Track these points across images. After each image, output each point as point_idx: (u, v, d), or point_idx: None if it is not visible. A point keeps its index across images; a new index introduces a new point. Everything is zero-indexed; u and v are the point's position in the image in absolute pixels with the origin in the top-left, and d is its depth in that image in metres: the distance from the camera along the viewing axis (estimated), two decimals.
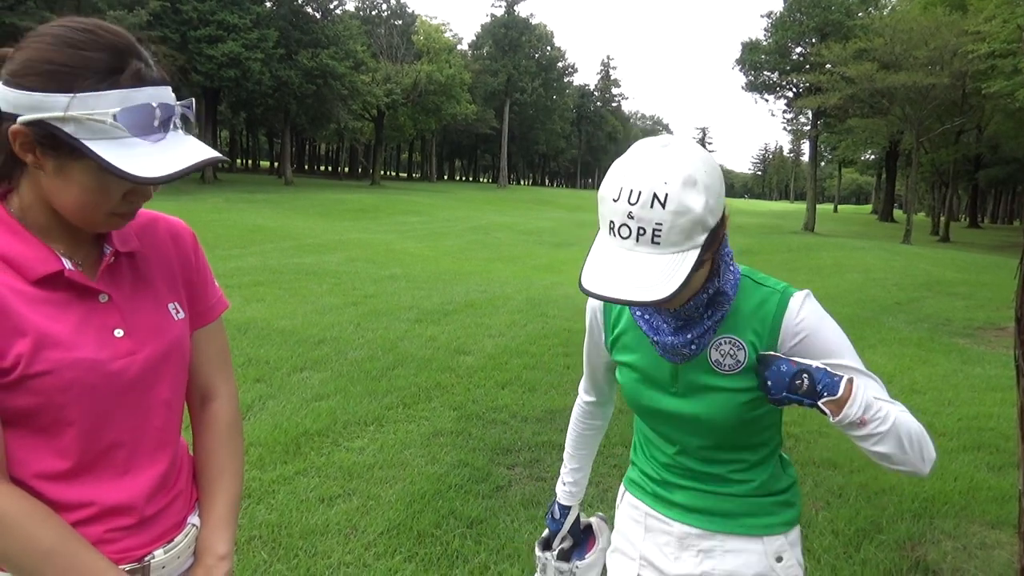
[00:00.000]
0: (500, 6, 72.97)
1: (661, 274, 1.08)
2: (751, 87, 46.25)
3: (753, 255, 20.19)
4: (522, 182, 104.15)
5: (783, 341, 1.25)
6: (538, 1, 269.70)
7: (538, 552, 1.72)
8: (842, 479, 3.99)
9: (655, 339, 1.29)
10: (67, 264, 1.02)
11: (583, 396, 1.65)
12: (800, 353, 1.24)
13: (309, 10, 42.98)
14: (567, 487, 1.68)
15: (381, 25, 55.37)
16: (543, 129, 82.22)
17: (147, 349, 1.07)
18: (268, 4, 39.75)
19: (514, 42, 72.32)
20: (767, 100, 47.71)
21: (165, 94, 0.98)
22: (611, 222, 1.13)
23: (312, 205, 28.87)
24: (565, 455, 1.70)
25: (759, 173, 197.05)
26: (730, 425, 1.30)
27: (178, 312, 1.15)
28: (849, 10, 40.03)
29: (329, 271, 11.35)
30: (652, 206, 1.08)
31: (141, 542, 1.08)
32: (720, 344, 1.27)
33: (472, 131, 69.77)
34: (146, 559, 1.09)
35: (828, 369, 1.19)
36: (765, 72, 45.34)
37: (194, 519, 1.19)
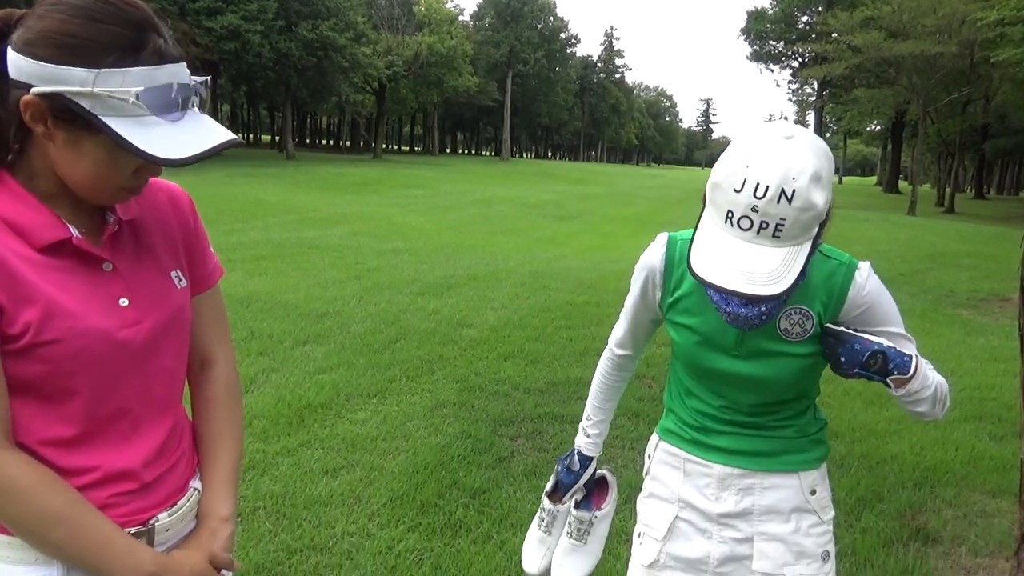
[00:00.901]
0: None
1: (779, 268, 1.12)
2: (756, 57, 45.78)
3: None
4: (525, 155, 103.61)
5: (847, 311, 1.33)
6: None
7: (546, 504, 1.71)
8: (844, 448, 4.01)
9: (726, 309, 1.30)
10: (74, 232, 1.01)
11: (616, 350, 1.64)
12: (860, 320, 1.33)
13: None
14: (591, 438, 1.68)
15: None
16: (546, 101, 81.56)
17: (151, 318, 1.07)
18: None
19: (516, 13, 71.48)
20: (772, 70, 47.35)
21: (182, 72, 0.97)
22: (730, 212, 1.13)
23: (314, 179, 28.78)
24: (589, 407, 1.69)
25: None
26: (788, 385, 1.38)
27: (180, 280, 1.15)
28: None
29: (331, 245, 11.34)
30: (779, 201, 1.09)
31: (145, 506, 1.09)
32: (790, 314, 1.32)
33: (474, 104, 69.23)
34: (150, 522, 1.09)
35: (898, 348, 1.28)
36: (770, 41, 44.88)
37: (196, 483, 1.20)
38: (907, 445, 4.10)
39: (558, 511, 1.70)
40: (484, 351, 5.63)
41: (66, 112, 0.91)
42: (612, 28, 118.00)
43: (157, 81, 0.92)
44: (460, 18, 64.07)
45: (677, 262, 1.41)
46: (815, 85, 42.95)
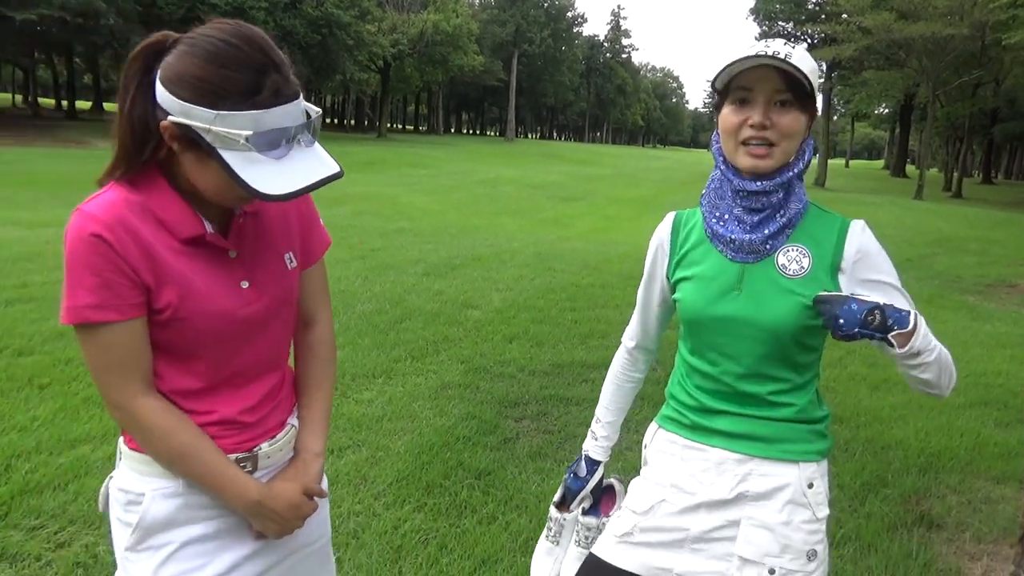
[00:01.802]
0: None
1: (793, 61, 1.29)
2: (764, 38, 45.15)
3: None
4: (529, 135, 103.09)
5: (847, 256, 1.37)
6: None
7: (554, 513, 1.68)
8: (848, 434, 4.01)
9: (730, 237, 1.38)
10: (208, 228, 1.21)
11: (628, 343, 1.65)
12: (857, 268, 1.36)
13: None
14: (599, 441, 1.67)
15: None
16: (551, 81, 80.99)
17: (267, 297, 1.28)
18: None
19: None
20: None
21: (294, 110, 1.12)
22: (747, 55, 1.31)
23: None
24: (599, 409, 1.68)
25: None
26: (786, 331, 1.36)
27: (291, 261, 1.35)
28: None
29: (336, 224, 11.32)
30: (784, 45, 1.31)
31: (250, 437, 1.31)
32: (788, 251, 1.38)
33: (479, 83, 68.71)
34: (254, 450, 1.32)
35: (893, 304, 1.29)
36: (779, 22, 44.34)
37: (293, 420, 1.41)
38: (912, 431, 4.11)
39: (565, 520, 1.66)
40: (489, 332, 5.63)
41: (193, 141, 1.09)
42: (619, 7, 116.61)
43: (266, 125, 1.08)
44: None
45: (684, 223, 1.50)
46: (824, 67, 42.52)
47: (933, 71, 31.09)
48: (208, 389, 1.26)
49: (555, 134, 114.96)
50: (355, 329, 5.47)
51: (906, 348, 1.27)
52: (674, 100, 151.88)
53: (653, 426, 1.57)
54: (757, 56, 1.28)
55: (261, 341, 1.30)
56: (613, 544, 1.47)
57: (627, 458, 3.36)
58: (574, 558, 1.63)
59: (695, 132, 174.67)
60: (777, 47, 1.30)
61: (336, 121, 75.25)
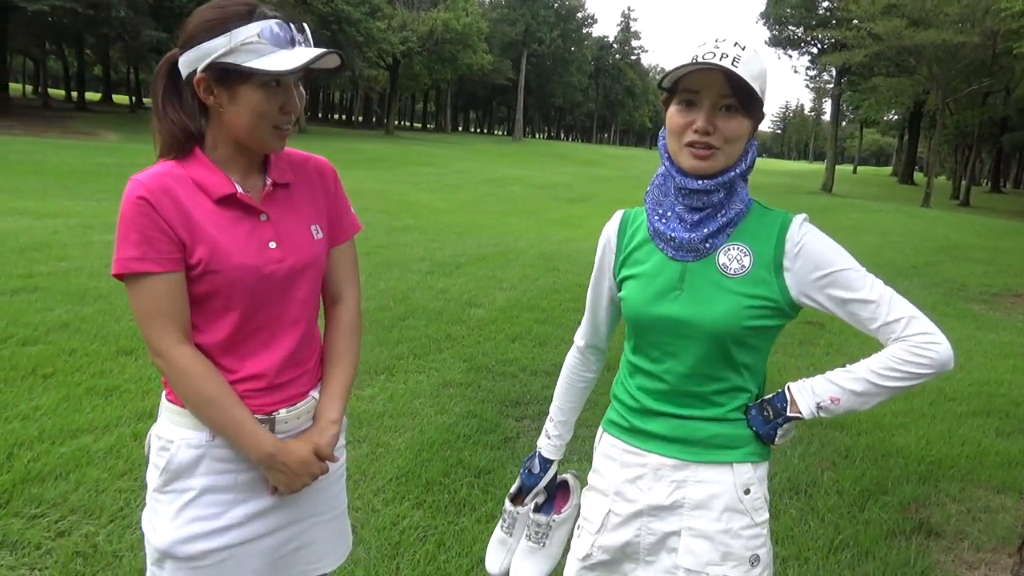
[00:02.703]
0: None
1: (740, 66, 1.28)
2: (775, 42, 45.20)
3: None
4: (537, 135, 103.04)
5: (787, 252, 1.36)
6: None
7: (508, 506, 1.71)
8: (849, 440, 4.01)
9: (671, 235, 1.39)
10: (239, 189, 1.37)
11: (578, 342, 1.67)
12: (801, 264, 1.35)
13: None
14: (552, 440, 1.69)
15: None
16: (560, 82, 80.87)
17: (292, 258, 1.41)
18: None
19: None
20: (790, 56, 46.55)
21: (293, 25, 1.34)
22: (694, 56, 1.30)
23: (326, 154, 28.25)
24: (552, 408, 1.70)
25: (778, 131, 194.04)
26: (727, 331, 1.36)
27: (318, 232, 1.48)
28: None
29: None
30: (734, 45, 1.30)
31: (270, 401, 1.42)
32: (728, 250, 1.38)
33: (488, 82, 68.75)
34: (272, 414, 1.43)
35: (780, 391, 1.40)
36: (790, 27, 44.24)
37: (315, 393, 1.51)
38: (913, 438, 4.10)
39: (518, 513, 1.69)
40: (492, 331, 5.63)
41: (222, 73, 1.28)
42: (629, 9, 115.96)
43: (272, 27, 1.28)
44: None
45: (631, 222, 1.51)
46: (833, 72, 42.34)
47: (943, 79, 30.98)
48: (233, 344, 1.39)
49: (563, 134, 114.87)
50: None
51: (807, 417, 1.36)
52: (660, 76, 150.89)
53: (600, 431, 1.59)
54: (702, 63, 1.28)
55: (287, 299, 1.42)
56: (577, 571, 1.50)
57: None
58: (524, 551, 1.68)
59: None
60: (726, 49, 1.29)
61: (344, 118, 75.36)
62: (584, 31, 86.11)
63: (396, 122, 62.33)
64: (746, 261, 1.36)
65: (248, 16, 1.28)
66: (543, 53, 74.43)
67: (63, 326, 4.85)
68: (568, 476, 1.75)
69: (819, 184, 39.74)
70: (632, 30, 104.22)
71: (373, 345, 5.05)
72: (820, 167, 40.90)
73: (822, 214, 20.74)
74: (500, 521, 1.74)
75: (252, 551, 1.43)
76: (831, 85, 44.37)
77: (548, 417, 1.71)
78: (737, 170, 1.36)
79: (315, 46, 1.35)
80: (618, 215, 1.54)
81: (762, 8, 45.47)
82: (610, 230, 1.53)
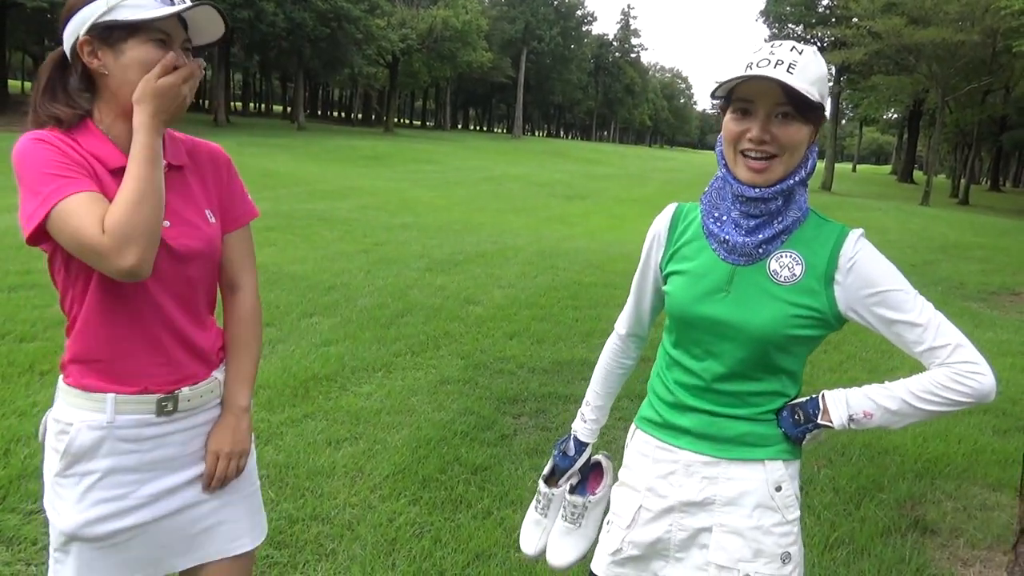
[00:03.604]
0: None
1: (794, 79, 1.26)
2: (774, 39, 45.20)
3: None
4: (537, 133, 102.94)
5: (840, 265, 1.35)
6: None
7: (542, 487, 1.73)
8: (846, 438, 4.01)
9: (725, 237, 1.38)
10: None
11: (619, 330, 1.67)
12: (852, 279, 1.34)
13: None
14: (588, 423, 1.70)
15: None
16: (559, 79, 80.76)
17: (184, 237, 1.40)
18: None
19: None
20: None
21: None
22: (749, 63, 1.29)
23: (325, 151, 28.73)
24: (589, 392, 1.71)
25: None
26: (770, 337, 1.35)
27: (211, 217, 1.48)
28: None
29: (340, 218, 11.34)
30: (791, 50, 1.30)
31: (174, 379, 1.43)
32: (781, 256, 1.37)
33: (487, 80, 68.61)
34: (175, 392, 1.44)
35: (813, 397, 1.39)
36: (790, 25, 44.23)
37: (217, 374, 1.53)
38: (910, 436, 4.10)
39: (553, 495, 1.71)
40: (490, 329, 5.63)
41: (105, 32, 1.29)
42: (629, 7, 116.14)
43: None
44: None
45: (683, 217, 1.50)
46: (833, 71, 42.38)
47: (943, 77, 30.98)
48: (136, 309, 1.37)
49: (562, 132, 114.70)
50: (356, 322, 5.48)
51: (836, 426, 1.35)
52: (682, 101, 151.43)
53: (632, 427, 1.60)
54: (754, 74, 1.27)
55: (179, 276, 1.41)
56: (607, 565, 1.51)
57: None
58: (560, 531, 1.70)
59: (702, 133, 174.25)
60: (782, 55, 1.28)
61: (343, 115, 75.30)
62: (584, 29, 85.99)
63: (395, 120, 62.26)
64: (797, 270, 1.35)
65: None
66: (543, 51, 74.31)
67: (60, 323, 4.81)
68: (601, 457, 1.77)
69: (818, 182, 39.74)
70: (632, 28, 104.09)
71: (370, 342, 5.05)
72: (819, 165, 40.86)
73: (821, 212, 20.75)
74: (534, 502, 1.76)
75: (163, 528, 1.44)
76: (831, 83, 44.35)
77: (584, 401, 1.72)
78: (796, 178, 1.35)
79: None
80: (670, 208, 1.53)
81: (762, 6, 45.44)
82: (661, 223, 1.52)
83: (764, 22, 45.25)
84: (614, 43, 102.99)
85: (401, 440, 3.58)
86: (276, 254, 7.86)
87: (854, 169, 78.81)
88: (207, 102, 47.04)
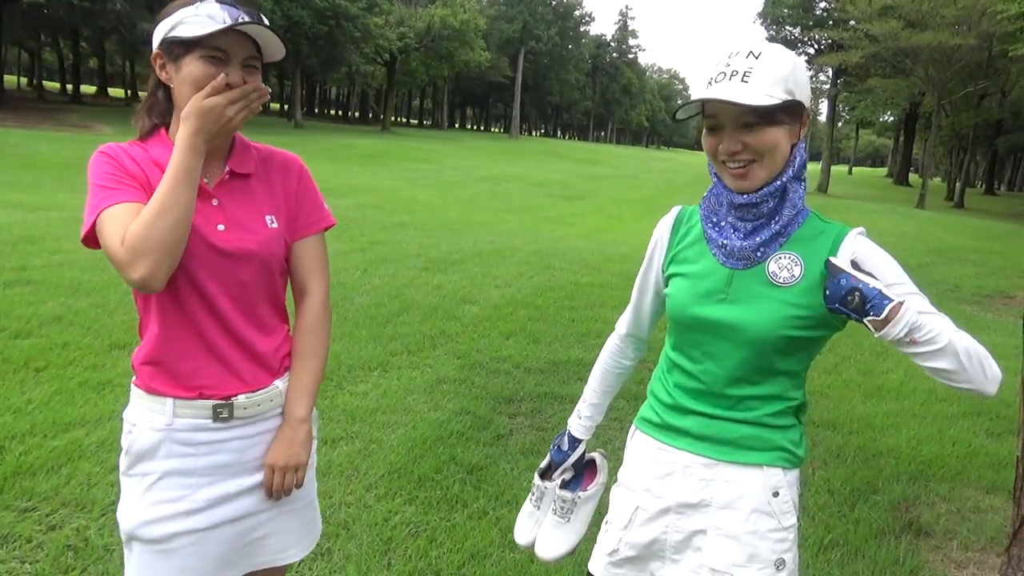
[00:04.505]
0: None
1: (750, 95, 1.26)
2: (771, 43, 45.28)
3: None
4: (534, 133, 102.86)
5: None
6: None
7: (537, 480, 1.75)
8: (841, 440, 4.02)
9: (723, 242, 1.38)
10: None
11: (620, 330, 1.68)
12: None
13: None
14: (583, 420, 1.71)
15: None
16: (557, 79, 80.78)
17: (239, 241, 1.42)
18: None
19: None
20: None
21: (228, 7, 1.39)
22: (710, 79, 1.30)
23: (322, 149, 28.69)
24: (586, 390, 1.72)
25: None
26: (767, 338, 1.35)
27: (273, 223, 1.49)
28: None
29: (337, 216, 11.18)
30: (746, 57, 1.30)
31: (232, 385, 1.44)
32: (780, 258, 1.37)
33: (485, 79, 68.55)
34: (231, 399, 1.44)
35: (883, 291, 1.25)
36: (787, 27, 44.30)
37: (279, 383, 1.52)
38: (904, 439, 4.12)
39: (546, 488, 1.74)
40: (486, 328, 5.64)
41: (168, 47, 1.37)
42: (627, 8, 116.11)
43: (211, 4, 1.35)
44: None
45: (685, 220, 1.51)
46: (830, 73, 42.44)
47: (939, 80, 31.06)
48: (193, 313, 1.40)
49: (559, 132, 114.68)
50: (352, 321, 5.48)
51: (880, 333, 1.25)
52: (679, 102, 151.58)
53: (632, 428, 1.61)
54: (697, 99, 1.30)
55: (233, 278, 1.42)
56: (604, 565, 1.51)
57: (618, 457, 3.37)
58: (550, 524, 1.72)
59: (699, 134, 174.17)
60: (737, 64, 1.29)
61: (341, 113, 75.16)
62: (581, 29, 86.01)
63: (392, 118, 62.14)
64: (796, 271, 1.35)
65: (191, 3, 1.36)
66: (540, 51, 74.30)
67: (56, 319, 4.83)
68: (596, 454, 1.78)
69: (814, 184, 39.80)
70: (630, 29, 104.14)
71: (367, 341, 5.05)
72: (816, 167, 40.96)
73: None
74: (529, 494, 1.78)
75: (218, 536, 1.44)
76: (827, 86, 44.44)
77: (581, 398, 1.73)
78: (783, 178, 1.34)
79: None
80: (674, 211, 1.55)
81: (759, 8, 45.51)
82: (664, 226, 1.53)
83: (762, 24, 45.31)
84: (612, 43, 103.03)
85: (397, 439, 3.58)
86: None
87: (850, 171, 78.89)
88: None
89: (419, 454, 3.42)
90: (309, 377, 1.55)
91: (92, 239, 1.33)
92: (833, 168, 45.28)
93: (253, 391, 1.47)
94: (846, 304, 1.26)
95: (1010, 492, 3.50)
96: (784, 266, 1.36)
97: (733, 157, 1.33)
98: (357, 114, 70.29)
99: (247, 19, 1.35)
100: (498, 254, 9.10)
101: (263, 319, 1.50)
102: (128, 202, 1.31)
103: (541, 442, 3.67)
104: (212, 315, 1.42)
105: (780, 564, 1.39)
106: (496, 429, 3.80)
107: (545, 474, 1.76)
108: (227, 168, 1.46)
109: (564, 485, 1.72)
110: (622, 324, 1.67)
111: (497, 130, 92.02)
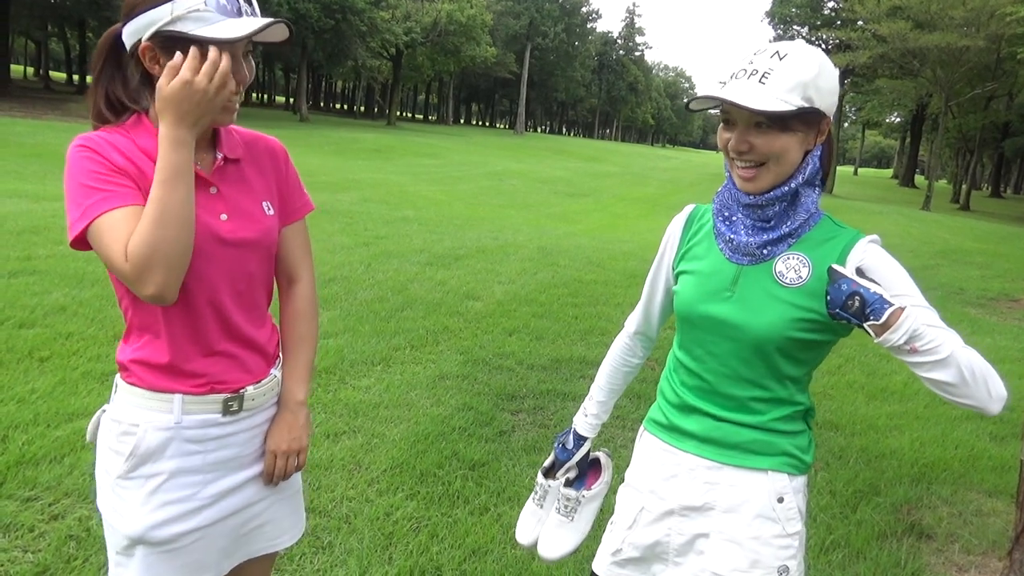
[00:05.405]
0: None
1: (763, 99, 1.25)
2: (807, 44, 45.23)
3: None
4: (539, 129, 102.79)
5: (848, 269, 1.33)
6: None
7: (540, 479, 1.75)
8: (843, 441, 4.02)
9: (731, 236, 1.38)
10: None
11: (629, 328, 1.67)
12: None
13: None
14: (588, 418, 1.70)
15: None
16: (563, 76, 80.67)
17: (244, 231, 1.39)
18: None
19: None
20: None
21: None
22: (732, 74, 1.30)
23: (327, 143, 28.68)
24: (593, 388, 1.72)
25: None
26: (770, 338, 1.34)
27: (269, 209, 1.47)
28: None
29: (341, 210, 11.32)
30: (770, 57, 1.28)
31: (239, 378, 1.43)
32: (788, 259, 1.35)
33: (491, 75, 68.58)
34: (241, 391, 1.43)
35: (885, 296, 1.23)
36: (795, 26, 44.19)
37: (276, 371, 1.52)
38: (907, 441, 4.11)
39: (550, 487, 1.73)
40: (489, 325, 5.63)
41: (167, 41, 1.24)
42: (634, 5, 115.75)
43: None
44: None
45: (697, 218, 1.51)
46: (837, 73, 42.36)
47: (947, 82, 30.95)
48: (197, 308, 1.36)
49: (565, 129, 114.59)
50: (355, 316, 5.48)
51: (879, 339, 1.23)
52: (685, 100, 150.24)
53: (641, 428, 1.61)
54: (706, 96, 1.29)
55: (240, 270, 1.40)
56: (608, 565, 1.51)
57: (623, 456, 3.37)
58: (553, 523, 1.71)
59: (705, 133, 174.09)
60: (760, 63, 1.28)
61: (346, 107, 75.15)
62: (588, 26, 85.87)
63: (398, 113, 62.16)
64: (804, 272, 1.33)
65: None
66: (547, 47, 74.19)
67: (60, 309, 4.84)
68: (600, 454, 1.77)
69: None
70: (636, 26, 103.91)
71: (370, 336, 5.05)
72: None
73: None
74: (532, 493, 1.78)
75: (221, 530, 1.44)
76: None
77: (588, 396, 1.72)
78: (792, 184, 1.32)
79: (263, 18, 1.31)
80: (687, 210, 1.55)
81: (767, 7, 45.36)
82: (676, 225, 1.54)
83: (769, 23, 45.21)
84: (618, 41, 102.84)
85: (399, 434, 3.58)
86: None
87: (856, 172, 78.80)
88: None
89: (421, 449, 3.42)
90: (305, 361, 1.55)
91: (82, 242, 1.24)
92: (839, 169, 45.21)
93: (259, 381, 1.46)
94: (847, 309, 1.24)
95: (1013, 496, 3.50)
96: (792, 267, 1.34)
97: (741, 156, 1.32)
98: (363, 108, 70.35)
99: (257, 20, 1.29)
100: (502, 250, 9.09)
101: (260, 309, 1.49)
102: (124, 206, 1.23)
103: (543, 439, 3.67)
104: (219, 307, 1.38)
105: (784, 571, 1.38)
106: (498, 425, 3.80)
107: (549, 472, 1.75)
108: (221, 154, 1.40)
109: (568, 484, 1.71)
110: (631, 322, 1.67)
111: (502, 126, 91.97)
